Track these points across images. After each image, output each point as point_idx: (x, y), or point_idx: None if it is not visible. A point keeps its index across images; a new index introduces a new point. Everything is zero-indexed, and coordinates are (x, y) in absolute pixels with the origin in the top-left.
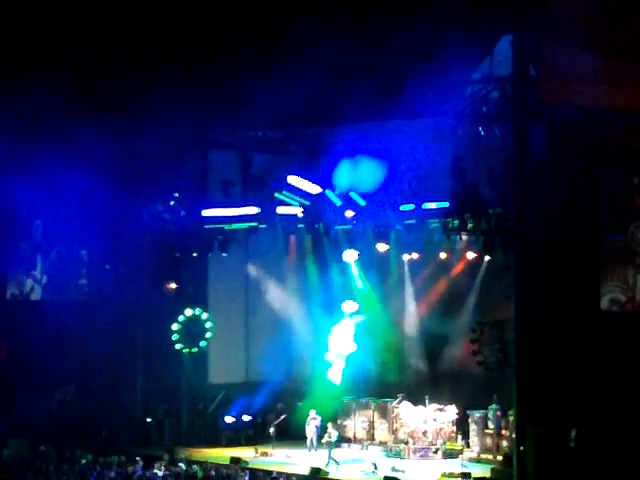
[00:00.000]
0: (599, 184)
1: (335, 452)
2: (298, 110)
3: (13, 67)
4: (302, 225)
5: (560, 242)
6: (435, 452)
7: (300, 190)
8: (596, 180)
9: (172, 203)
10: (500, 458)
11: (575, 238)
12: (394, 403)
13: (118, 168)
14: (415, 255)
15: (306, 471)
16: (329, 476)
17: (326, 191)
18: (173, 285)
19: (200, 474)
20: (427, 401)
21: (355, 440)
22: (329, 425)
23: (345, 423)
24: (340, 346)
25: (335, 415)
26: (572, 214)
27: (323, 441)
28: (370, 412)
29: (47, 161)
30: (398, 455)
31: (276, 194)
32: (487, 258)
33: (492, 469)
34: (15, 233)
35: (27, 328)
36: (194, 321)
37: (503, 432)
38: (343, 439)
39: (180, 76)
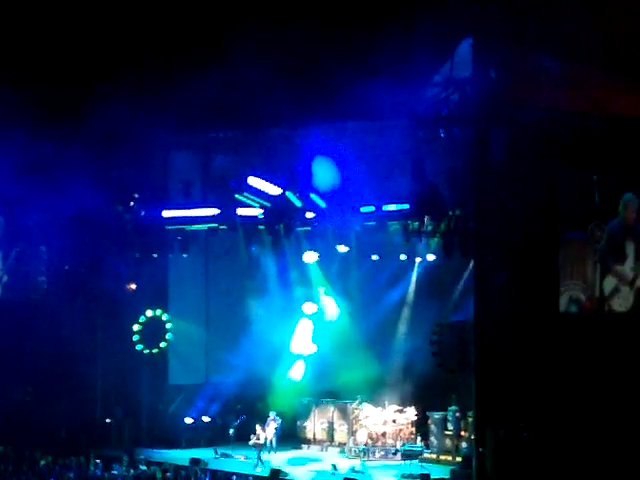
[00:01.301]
0: (558, 183)
1: (264, 454)
2: (257, 111)
3: None
4: (262, 226)
5: (520, 243)
6: (394, 454)
7: (260, 191)
8: (555, 179)
9: (132, 203)
10: (459, 459)
11: (534, 239)
12: (354, 404)
13: (80, 167)
14: (375, 257)
15: (266, 472)
16: (288, 477)
17: (286, 192)
18: (133, 286)
19: (159, 475)
20: (387, 402)
21: (315, 441)
22: (257, 427)
23: (305, 424)
24: (300, 347)
25: (294, 416)
26: (531, 215)
27: (251, 443)
28: (330, 413)
29: (7, 158)
30: (357, 456)
31: (236, 195)
32: (446, 260)
33: (451, 470)
34: None
35: None
36: (154, 322)
37: (462, 433)
38: (303, 440)
39: (142, 76)
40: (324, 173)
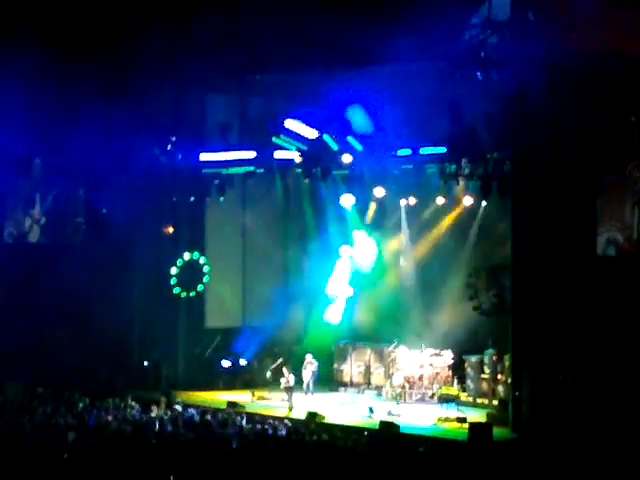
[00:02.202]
0: (596, 125)
1: (294, 396)
2: (294, 55)
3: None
4: (299, 170)
5: (557, 186)
6: (431, 397)
7: (297, 134)
8: (593, 121)
9: (169, 147)
10: (496, 403)
11: (572, 181)
12: (390, 347)
13: (117, 110)
14: (412, 200)
15: (303, 415)
16: (325, 420)
17: (323, 135)
18: (170, 229)
19: (197, 417)
20: (423, 346)
21: (351, 384)
22: (284, 370)
23: (341, 367)
24: (337, 290)
25: (331, 359)
26: (569, 157)
27: (281, 386)
28: (366, 356)
29: (47, 101)
30: (394, 399)
31: (273, 138)
32: (484, 203)
33: (488, 414)
34: (14, 172)
35: (24, 270)
36: (192, 265)
37: (499, 377)
38: (340, 383)
39: (180, 19)
40: (360, 117)
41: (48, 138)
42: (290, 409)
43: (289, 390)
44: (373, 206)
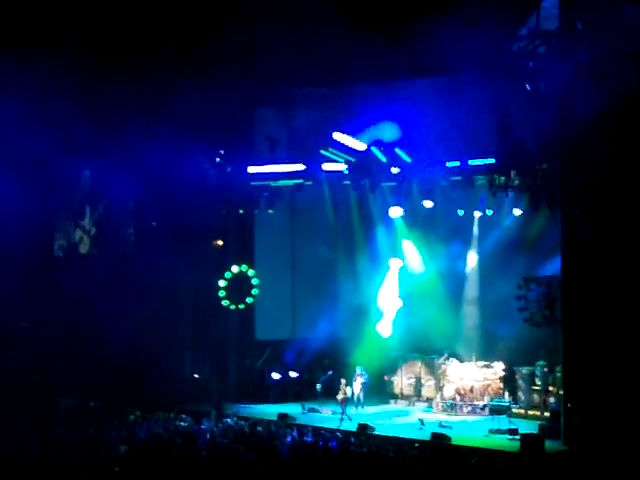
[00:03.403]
0: None
1: (352, 409)
2: (342, 67)
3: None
4: (348, 182)
5: (607, 197)
6: (482, 409)
7: (345, 147)
8: None
9: (218, 160)
10: (547, 414)
11: (622, 192)
12: (441, 360)
13: (166, 124)
14: (461, 212)
15: (353, 427)
16: (375, 432)
17: (372, 147)
18: (220, 242)
19: (247, 429)
20: (474, 358)
21: (402, 396)
22: (342, 382)
23: (392, 379)
24: (386, 302)
25: (381, 371)
26: (619, 168)
27: (338, 397)
28: (417, 368)
29: (97, 113)
30: (445, 411)
31: (322, 151)
32: (532, 215)
33: (539, 425)
34: (64, 184)
35: (75, 283)
36: (241, 277)
37: (550, 389)
38: (390, 395)
39: (227, 33)
40: (408, 129)
41: (98, 151)
42: (342, 420)
43: (345, 402)
44: None
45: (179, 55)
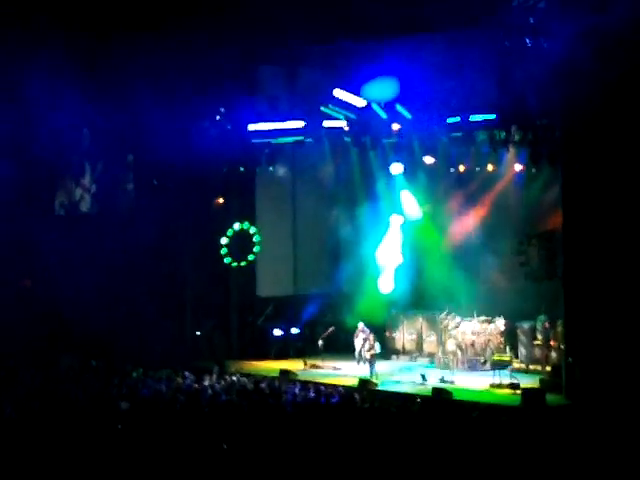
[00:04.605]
0: None
1: (378, 364)
2: (344, 23)
3: None
4: (348, 138)
5: (608, 153)
6: (483, 363)
7: (346, 103)
8: None
9: (218, 118)
10: (549, 369)
11: (623, 148)
12: (442, 315)
13: (165, 81)
14: (462, 167)
15: (354, 382)
16: (377, 387)
17: (372, 104)
18: (220, 200)
19: (250, 386)
20: (475, 313)
21: (404, 352)
22: (371, 337)
23: (393, 335)
24: (387, 258)
25: (383, 327)
26: (620, 124)
27: (368, 354)
28: (418, 324)
29: (95, 70)
30: (447, 366)
31: (322, 108)
32: (534, 170)
33: (540, 380)
34: (63, 142)
35: (75, 242)
36: (242, 235)
37: (552, 343)
38: (392, 350)
39: None
40: (409, 84)
41: (96, 107)
42: (375, 376)
43: (373, 358)
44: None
45: (179, 16)
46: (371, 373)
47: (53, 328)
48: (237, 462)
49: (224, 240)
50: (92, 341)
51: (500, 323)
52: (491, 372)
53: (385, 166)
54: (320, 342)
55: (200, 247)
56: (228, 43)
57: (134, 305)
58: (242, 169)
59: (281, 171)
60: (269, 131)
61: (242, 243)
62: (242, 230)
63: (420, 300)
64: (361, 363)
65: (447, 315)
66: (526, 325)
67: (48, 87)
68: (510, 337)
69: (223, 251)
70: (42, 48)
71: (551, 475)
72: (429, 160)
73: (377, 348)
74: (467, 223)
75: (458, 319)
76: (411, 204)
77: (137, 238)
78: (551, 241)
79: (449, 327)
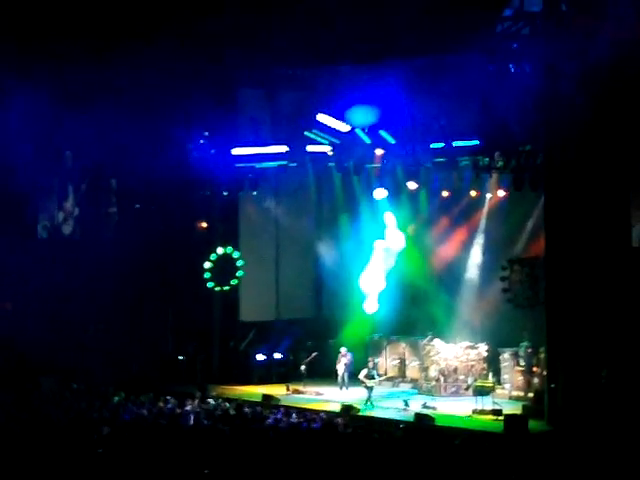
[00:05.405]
0: (629, 116)
1: (361, 390)
2: (327, 48)
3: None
4: (332, 163)
5: (590, 177)
6: (466, 389)
7: (330, 128)
8: (626, 112)
9: (202, 142)
10: (531, 395)
11: (605, 172)
12: (425, 340)
13: (148, 104)
14: (445, 193)
15: (337, 408)
16: (360, 413)
17: (356, 129)
18: (204, 224)
19: (232, 411)
20: (458, 338)
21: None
22: (371, 364)
23: (376, 360)
24: (370, 283)
25: (366, 352)
26: (602, 149)
27: (367, 381)
28: (401, 349)
29: (78, 93)
30: (429, 392)
31: (306, 132)
32: (516, 196)
33: (523, 406)
34: (47, 164)
35: (58, 265)
36: (225, 259)
37: (534, 369)
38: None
39: (211, 14)
40: (392, 110)
41: (80, 130)
42: (371, 403)
43: (370, 384)
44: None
45: (162, 36)
46: (369, 398)
47: (34, 350)
48: None
49: (207, 264)
50: (73, 363)
51: (483, 349)
52: (474, 398)
53: (369, 191)
54: (303, 367)
55: (183, 271)
56: (211, 67)
57: (116, 328)
58: (225, 193)
59: (264, 196)
60: (253, 155)
61: (225, 267)
62: (225, 254)
63: (403, 325)
64: (344, 388)
65: (430, 340)
66: (509, 351)
67: (31, 110)
68: (493, 363)
69: (206, 275)
70: (24, 69)
71: None
72: (412, 185)
73: (374, 374)
74: (450, 249)
75: (441, 344)
76: (394, 229)
77: (120, 262)
78: (533, 267)
79: (432, 353)
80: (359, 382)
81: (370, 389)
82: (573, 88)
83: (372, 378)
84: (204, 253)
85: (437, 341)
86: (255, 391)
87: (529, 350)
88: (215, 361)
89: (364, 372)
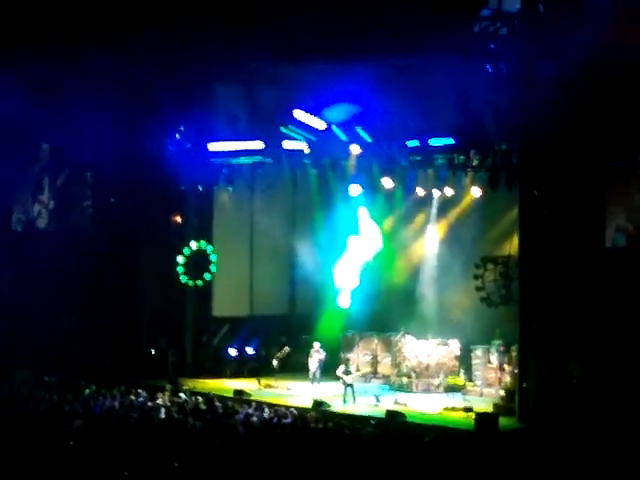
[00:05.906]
0: (604, 116)
1: (332, 386)
2: (305, 44)
3: None
4: (308, 160)
5: (565, 176)
6: (437, 386)
7: (306, 125)
8: (602, 112)
9: (178, 136)
10: (502, 393)
11: (580, 171)
12: (397, 337)
13: (125, 99)
14: (420, 191)
15: (309, 403)
16: (331, 409)
17: (332, 126)
18: (178, 218)
19: (203, 406)
20: (430, 335)
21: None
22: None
23: (348, 356)
24: (344, 280)
25: (338, 348)
26: (577, 149)
27: (349, 379)
28: (374, 345)
29: (56, 86)
30: (401, 389)
31: (282, 129)
32: (491, 195)
33: (494, 404)
34: (22, 157)
35: (32, 258)
36: (199, 254)
37: (506, 367)
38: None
39: (189, 9)
40: (369, 107)
41: (56, 124)
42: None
43: (349, 381)
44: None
45: (140, 31)
46: (352, 394)
47: (6, 343)
48: None
49: (181, 259)
50: (46, 356)
51: (455, 346)
52: (445, 395)
53: (344, 188)
54: (275, 362)
55: (157, 265)
56: (188, 62)
57: (89, 321)
58: (200, 188)
59: (239, 191)
60: (228, 151)
61: (199, 262)
62: (199, 249)
63: (376, 321)
64: (315, 384)
65: (402, 337)
66: (481, 349)
67: (5, 102)
68: (464, 360)
69: (179, 270)
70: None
71: None
72: (388, 183)
73: (353, 371)
74: (424, 246)
75: (413, 341)
76: (369, 225)
77: (93, 255)
78: (507, 266)
79: (404, 349)
80: (336, 378)
81: (350, 385)
82: (549, 88)
83: (349, 374)
84: (178, 247)
85: (409, 337)
86: (227, 386)
87: (501, 348)
88: (187, 355)
89: (342, 368)
